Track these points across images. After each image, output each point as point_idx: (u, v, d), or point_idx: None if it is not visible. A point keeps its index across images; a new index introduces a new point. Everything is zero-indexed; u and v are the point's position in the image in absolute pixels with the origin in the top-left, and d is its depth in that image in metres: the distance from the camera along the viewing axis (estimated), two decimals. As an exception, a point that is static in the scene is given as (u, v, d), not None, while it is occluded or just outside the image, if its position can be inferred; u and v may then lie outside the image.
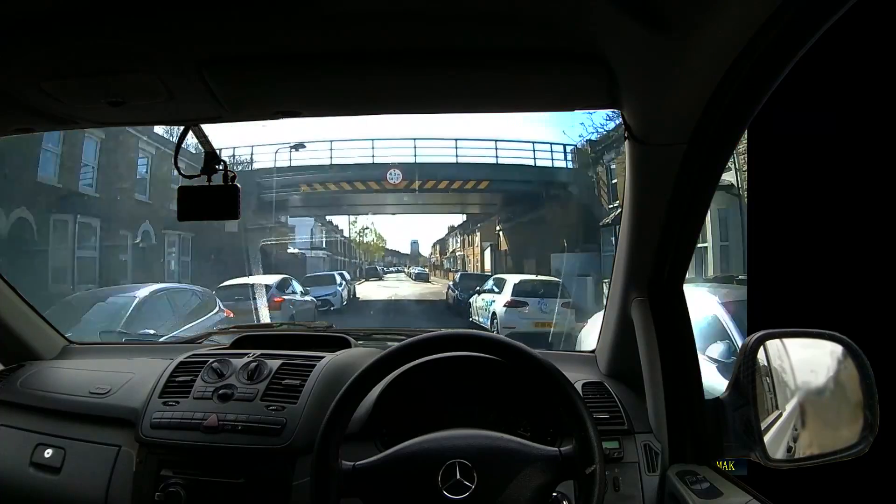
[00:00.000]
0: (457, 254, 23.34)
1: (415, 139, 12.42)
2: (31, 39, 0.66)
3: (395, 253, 26.70)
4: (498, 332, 5.73)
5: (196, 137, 0.98)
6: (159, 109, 0.83)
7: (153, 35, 0.66)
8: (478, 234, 18.54)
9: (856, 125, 1.70)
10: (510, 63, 0.71)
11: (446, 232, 24.74)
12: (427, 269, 24.44)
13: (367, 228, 22.07)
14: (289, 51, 0.70)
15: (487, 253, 17.04)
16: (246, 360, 1.10)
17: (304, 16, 0.63)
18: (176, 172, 1.02)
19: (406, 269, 25.29)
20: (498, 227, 15.52)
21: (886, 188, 1.70)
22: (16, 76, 0.73)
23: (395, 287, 18.53)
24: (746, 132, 0.78)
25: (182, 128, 0.97)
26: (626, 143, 0.84)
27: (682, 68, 0.63)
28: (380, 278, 21.52)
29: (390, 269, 25.13)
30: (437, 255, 26.07)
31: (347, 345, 1.26)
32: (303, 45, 0.69)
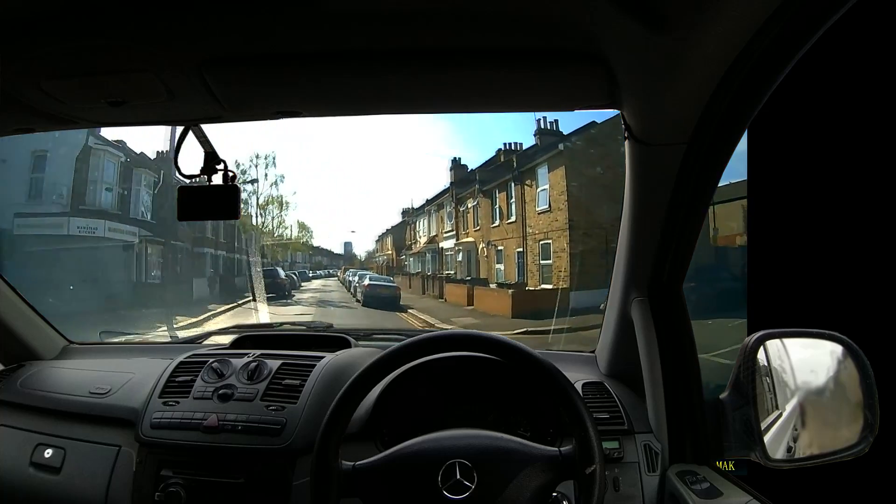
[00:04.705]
0: (442, 246, 11.71)
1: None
2: (31, 39, 0.66)
3: (327, 252, 17.87)
4: None
5: (196, 137, 0.99)
6: (159, 109, 0.83)
7: (153, 35, 0.66)
8: (547, 175, 8.09)
9: (855, 125, 1.70)
10: (510, 63, 0.71)
11: (400, 218, 15.13)
12: (392, 279, 13.09)
13: (274, 185, 13.02)
14: (289, 51, 0.70)
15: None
16: (246, 360, 1.10)
17: (304, 16, 0.63)
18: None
19: (339, 276, 15.65)
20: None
21: (886, 188, 1.70)
22: (16, 76, 0.73)
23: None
24: (746, 132, 0.78)
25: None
26: (626, 143, 0.84)
27: (682, 68, 0.63)
28: (283, 296, 10.99)
29: (317, 272, 16.02)
30: (390, 252, 15.45)
31: (347, 345, 1.26)
32: (303, 45, 0.69)
